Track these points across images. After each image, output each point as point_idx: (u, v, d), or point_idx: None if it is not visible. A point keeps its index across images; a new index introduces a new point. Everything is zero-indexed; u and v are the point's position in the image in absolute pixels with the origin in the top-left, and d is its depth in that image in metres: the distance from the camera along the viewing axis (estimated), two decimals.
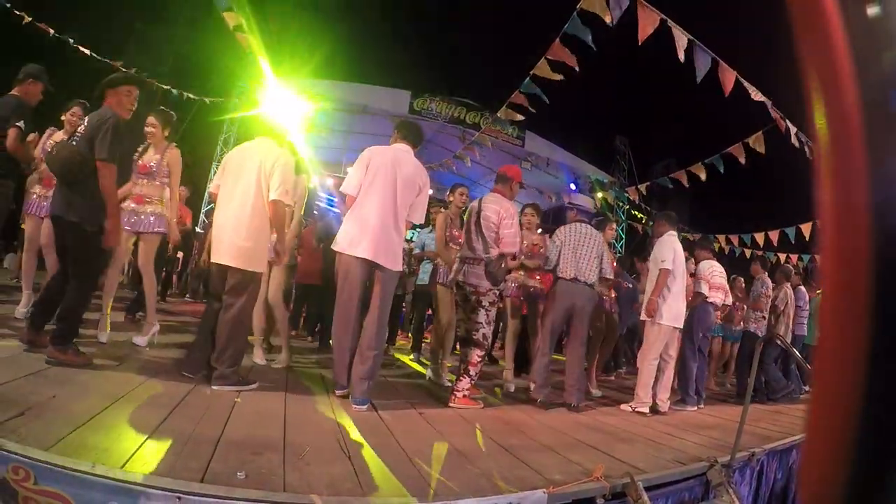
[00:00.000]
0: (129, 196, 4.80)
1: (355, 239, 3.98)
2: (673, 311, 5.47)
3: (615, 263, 7.14)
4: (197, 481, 2.09)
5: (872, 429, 0.44)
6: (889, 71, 0.46)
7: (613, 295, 6.78)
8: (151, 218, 4.83)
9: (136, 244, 4.97)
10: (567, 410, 4.95)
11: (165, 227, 4.97)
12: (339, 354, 4.11)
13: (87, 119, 3.89)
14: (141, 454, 2.27)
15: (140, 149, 4.96)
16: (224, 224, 4.00)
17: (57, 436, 2.26)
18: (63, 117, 5.32)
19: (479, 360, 4.58)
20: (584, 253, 5.24)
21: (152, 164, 4.89)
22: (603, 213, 12.74)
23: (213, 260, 4.03)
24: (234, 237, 3.95)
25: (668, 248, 5.52)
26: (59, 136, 5.21)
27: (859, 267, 0.45)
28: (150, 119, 4.96)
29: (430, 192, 4.75)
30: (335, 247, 4.10)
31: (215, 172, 4.03)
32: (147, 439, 2.48)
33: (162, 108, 5.25)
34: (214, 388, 3.77)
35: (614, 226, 6.55)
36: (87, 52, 8.98)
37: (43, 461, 2.01)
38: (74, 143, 3.78)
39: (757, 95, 5.51)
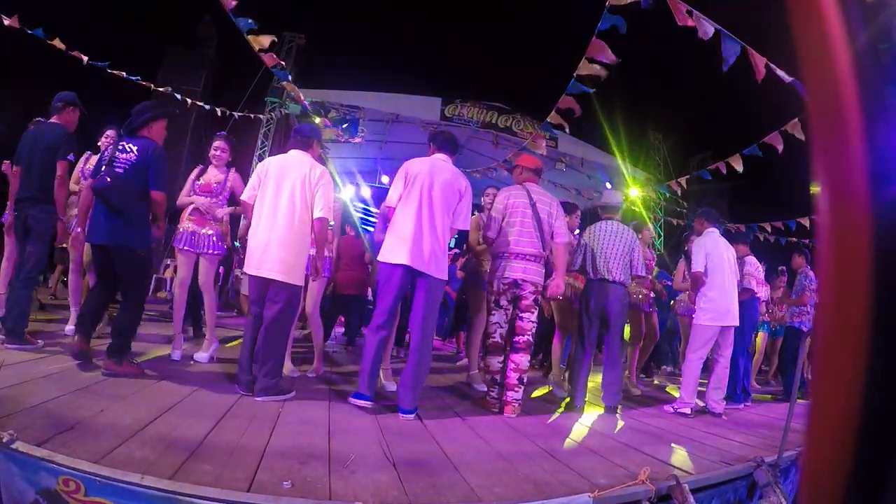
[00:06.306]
0: (187, 217, 4.92)
1: (396, 247, 3.95)
2: (719, 310, 5.29)
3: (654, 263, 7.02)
4: (243, 491, 2.11)
5: (873, 430, 0.43)
6: (887, 65, 0.44)
7: (651, 294, 6.61)
8: (214, 238, 4.93)
9: (196, 264, 4.97)
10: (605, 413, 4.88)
11: (224, 247, 5.09)
12: (374, 363, 3.98)
13: (134, 150, 3.96)
14: (188, 465, 2.30)
15: (196, 170, 5.10)
16: (270, 238, 3.96)
17: (106, 448, 2.32)
18: (99, 142, 5.49)
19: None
20: (611, 251, 5.13)
21: (215, 184, 5.02)
22: (638, 216, 12.47)
23: (254, 272, 3.98)
24: (280, 251, 3.95)
25: (700, 249, 5.40)
26: (95, 160, 5.31)
27: (859, 265, 0.43)
28: (220, 144, 5.13)
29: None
30: (379, 257, 4.05)
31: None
32: (194, 450, 2.52)
33: (224, 133, 5.36)
34: (258, 399, 3.78)
35: (650, 226, 6.45)
36: (122, 74, 9.17)
37: (93, 473, 2.06)
38: (120, 171, 3.89)
39: (788, 79, 5.31)
